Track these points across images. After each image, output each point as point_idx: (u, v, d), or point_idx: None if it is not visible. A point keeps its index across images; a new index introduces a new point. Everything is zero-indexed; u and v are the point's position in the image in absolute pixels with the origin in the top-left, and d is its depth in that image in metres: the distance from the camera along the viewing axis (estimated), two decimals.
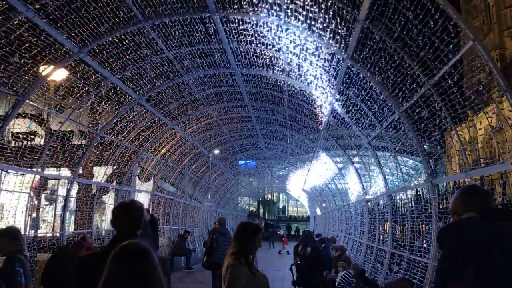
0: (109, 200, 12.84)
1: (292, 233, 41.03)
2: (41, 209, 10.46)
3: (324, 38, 7.27)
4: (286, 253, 24.54)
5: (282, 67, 9.24)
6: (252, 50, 8.80)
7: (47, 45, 7.07)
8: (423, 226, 7.68)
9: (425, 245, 7.42)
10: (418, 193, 7.79)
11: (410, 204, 8.22)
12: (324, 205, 24.20)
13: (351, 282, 7.78)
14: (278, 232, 38.19)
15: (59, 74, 7.98)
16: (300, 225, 49.69)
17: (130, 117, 10.83)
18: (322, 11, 6.66)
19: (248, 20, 7.67)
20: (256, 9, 7.24)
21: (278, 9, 7.10)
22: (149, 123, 11.84)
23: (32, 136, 8.62)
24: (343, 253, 9.72)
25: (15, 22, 6.37)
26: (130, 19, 7.45)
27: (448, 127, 6.04)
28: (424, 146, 6.83)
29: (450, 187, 6.43)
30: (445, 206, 6.56)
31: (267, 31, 7.86)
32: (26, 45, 6.85)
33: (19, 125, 8.33)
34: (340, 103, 9.30)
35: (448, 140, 6.26)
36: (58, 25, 6.83)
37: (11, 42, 6.63)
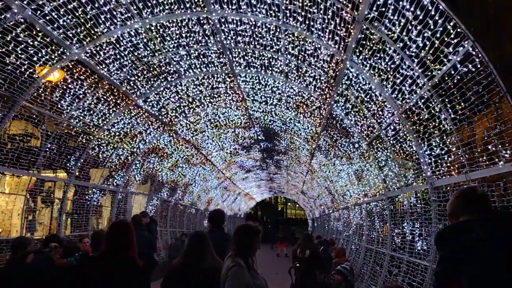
0: (106, 202, 12.77)
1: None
2: (37, 212, 10.37)
3: (323, 39, 7.24)
4: (285, 256, 24.52)
5: (280, 68, 9.20)
6: (251, 51, 8.76)
7: (44, 46, 7.02)
8: (423, 228, 7.63)
9: (424, 248, 7.37)
10: (418, 195, 7.74)
11: (409, 206, 8.17)
12: (322, 207, 24.13)
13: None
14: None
15: (56, 75, 7.93)
16: (299, 228, 49.46)
17: (127, 119, 10.77)
18: (321, 12, 6.64)
19: (247, 21, 7.64)
20: (254, 9, 7.21)
21: (276, 9, 7.07)
22: (146, 125, 11.78)
23: (29, 138, 8.52)
24: (343, 255, 9.66)
25: (11, 23, 6.32)
26: (127, 20, 7.41)
27: (448, 129, 6.00)
28: (424, 147, 6.79)
29: (450, 189, 6.39)
30: (443, 207, 6.52)
31: (266, 32, 7.83)
32: (23, 45, 6.80)
33: (15, 127, 8.24)
34: (339, 105, 9.26)
35: (448, 141, 6.21)
36: (55, 25, 6.78)
37: (7, 42, 6.58)
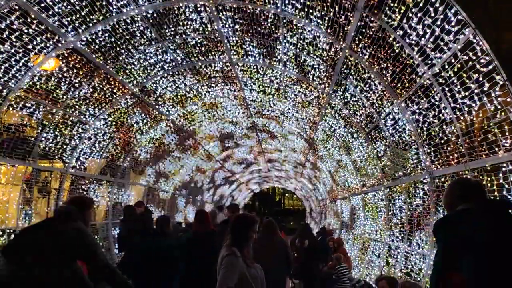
0: (104, 193, 12.70)
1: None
2: (33, 202, 10.31)
3: (322, 27, 7.16)
4: None
5: (278, 57, 9.11)
6: (249, 39, 8.66)
7: (39, 34, 6.92)
8: (421, 218, 7.62)
9: (423, 238, 7.37)
10: (417, 185, 7.72)
11: (408, 196, 8.16)
12: (320, 197, 24.17)
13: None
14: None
15: (51, 64, 7.83)
16: (296, 218, 49.62)
17: (124, 108, 10.68)
18: None
19: (245, 9, 7.54)
20: None
21: None
22: (143, 114, 11.69)
23: (24, 128, 8.44)
24: (340, 245, 9.69)
25: (5, 10, 6.21)
26: (123, 7, 7.30)
27: (448, 118, 5.96)
28: (423, 137, 6.75)
29: (449, 179, 6.36)
30: (442, 197, 6.50)
31: (264, 20, 7.73)
32: (17, 33, 6.70)
33: (10, 116, 8.17)
34: (338, 94, 9.20)
35: (448, 131, 6.17)
36: (50, 13, 6.68)
37: (1, 30, 6.48)
